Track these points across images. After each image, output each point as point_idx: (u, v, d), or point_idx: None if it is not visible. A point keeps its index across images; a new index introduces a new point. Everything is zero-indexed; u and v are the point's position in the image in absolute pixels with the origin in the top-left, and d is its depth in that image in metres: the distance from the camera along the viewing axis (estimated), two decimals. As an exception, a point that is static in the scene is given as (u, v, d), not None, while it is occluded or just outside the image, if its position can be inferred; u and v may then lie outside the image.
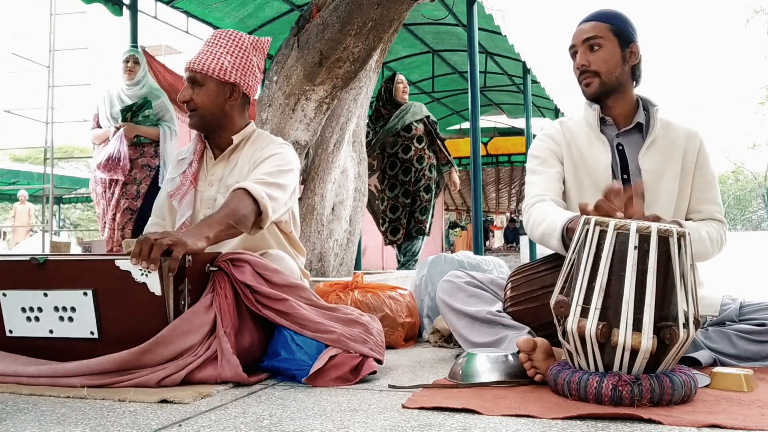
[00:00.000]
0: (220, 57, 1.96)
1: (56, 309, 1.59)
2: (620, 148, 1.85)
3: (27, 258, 1.63)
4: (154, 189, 4.07)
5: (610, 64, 1.80)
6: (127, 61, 4.17)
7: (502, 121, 12.63)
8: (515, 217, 17.72)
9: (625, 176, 1.83)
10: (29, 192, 13.46)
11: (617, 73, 1.81)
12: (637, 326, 1.28)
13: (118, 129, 4.03)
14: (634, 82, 1.87)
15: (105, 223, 4.10)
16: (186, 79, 1.98)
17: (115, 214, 4.03)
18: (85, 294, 1.56)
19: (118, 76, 4.20)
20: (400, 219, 4.63)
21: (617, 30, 1.81)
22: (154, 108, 4.17)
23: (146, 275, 1.51)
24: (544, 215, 1.72)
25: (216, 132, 2.03)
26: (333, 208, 3.66)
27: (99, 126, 4.19)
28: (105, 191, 4.08)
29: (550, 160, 1.88)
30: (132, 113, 4.08)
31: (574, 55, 1.87)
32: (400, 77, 4.73)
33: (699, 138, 1.87)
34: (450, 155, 4.78)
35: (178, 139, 4.29)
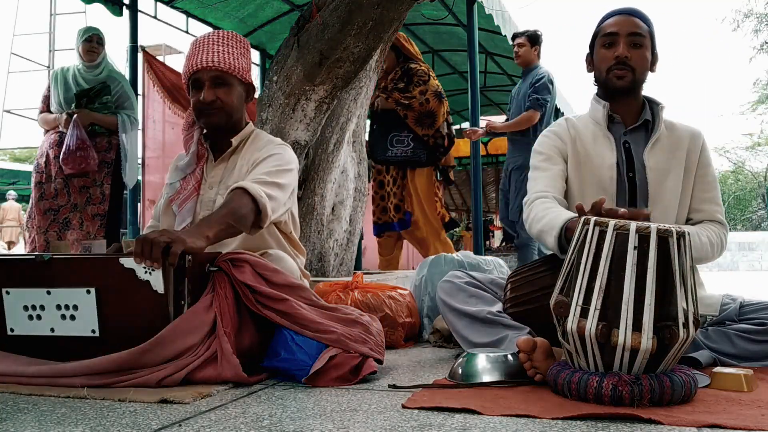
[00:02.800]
0: (238, 57, 1.96)
1: (58, 307, 1.59)
2: (627, 145, 1.86)
3: (31, 256, 1.63)
4: (117, 188, 3.76)
5: (645, 64, 1.83)
6: (90, 39, 3.72)
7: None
8: None
9: (630, 174, 1.84)
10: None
11: (645, 76, 1.85)
12: (637, 326, 1.28)
13: (70, 116, 3.57)
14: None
15: (36, 221, 3.63)
16: (206, 78, 1.92)
17: (55, 215, 3.60)
18: (88, 292, 1.56)
19: (75, 57, 3.78)
20: None
21: (651, 34, 1.85)
22: (114, 94, 3.75)
23: (150, 273, 1.52)
24: (545, 212, 1.72)
25: (226, 131, 2.02)
26: (333, 208, 3.66)
27: (49, 110, 3.76)
28: (52, 187, 3.62)
29: (554, 157, 1.89)
30: (88, 99, 3.66)
31: (609, 44, 1.84)
32: None
33: (701, 139, 1.89)
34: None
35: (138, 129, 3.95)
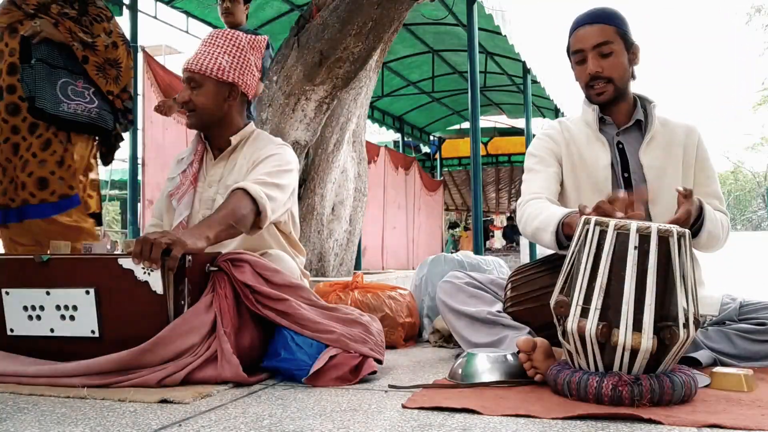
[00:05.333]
0: (218, 57, 1.95)
1: (58, 308, 1.59)
2: (620, 146, 1.85)
3: (30, 256, 1.63)
4: None
5: (621, 69, 1.79)
6: None
7: (502, 121, 12.64)
8: (513, 215, 17.71)
9: (626, 174, 1.83)
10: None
11: (626, 77, 1.81)
12: (637, 326, 1.28)
13: None
14: (632, 80, 1.87)
15: None
16: (184, 80, 1.97)
17: None
18: (87, 292, 1.56)
19: None
20: None
21: (622, 32, 1.79)
22: None
23: (148, 274, 1.52)
24: (539, 211, 1.71)
25: (214, 131, 2.02)
26: (333, 208, 3.66)
27: None
28: None
29: (548, 160, 1.88)
30: None
31: (580, 61, 1.82)
32: None
33: (697, 133, 1.88)
34: None
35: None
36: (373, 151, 8.57)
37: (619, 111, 1.86)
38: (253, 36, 2.08)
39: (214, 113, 1.98)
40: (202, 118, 1.98)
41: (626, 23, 1.82)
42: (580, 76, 1.84)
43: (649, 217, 1.77)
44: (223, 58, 1.96)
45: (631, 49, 1.81)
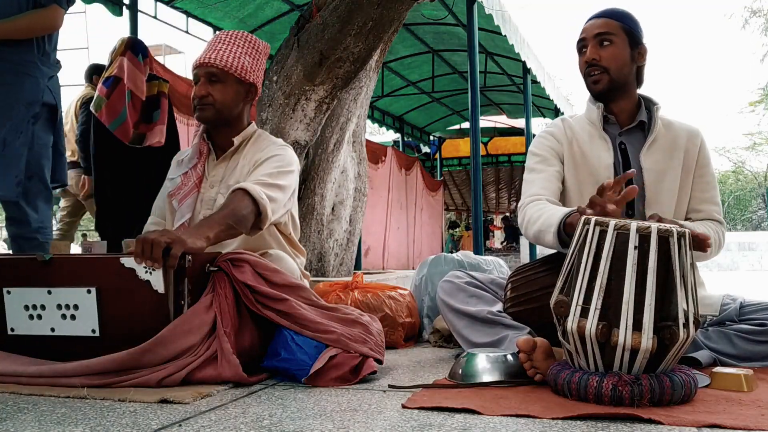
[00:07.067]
0: (240, 56, 1.97)
1: (59, 307, 1.59)
2: (622, 146, 1.85)
3: (32, 256, 1.63)
4: None
5: (619, 61, 1.81)
6: None
7: (502, 121, 12.63)
8: (510, 216, 17.71)
9: None
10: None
11: (625, 72, 1.82)
12: (637, 326, 1.28)
13: None
14: (638, 83, 1.88)
15: None
16: (202, 74, 1.96)
17: None
18: (89, 292, 1.56)
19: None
20: None
21: (628, 29, 1.82)
22: None
23: (150, 273, 1.52)
24: (540, 212, 1.72)
25: (223, 129, 2.03)
26: (333, 208, 3.66)
27: None
28: None
29: (550, 159, 1.89)
30: None
31: (582, 50, 1.86)
32: None
33: (700, 137, 1.88)
34: None
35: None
36: (380, 151, 8.57)
37: (622, 110, 1.86)
38: (265, 43, 2.11)
39: (231, 110, 1.99)
40: (221, 113, 1.98)
41: (635, 23, 1.85)
42: (580, 66, 1.87)
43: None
44: (245, 58, 1.98)
45: (636, 48, 1.83)
